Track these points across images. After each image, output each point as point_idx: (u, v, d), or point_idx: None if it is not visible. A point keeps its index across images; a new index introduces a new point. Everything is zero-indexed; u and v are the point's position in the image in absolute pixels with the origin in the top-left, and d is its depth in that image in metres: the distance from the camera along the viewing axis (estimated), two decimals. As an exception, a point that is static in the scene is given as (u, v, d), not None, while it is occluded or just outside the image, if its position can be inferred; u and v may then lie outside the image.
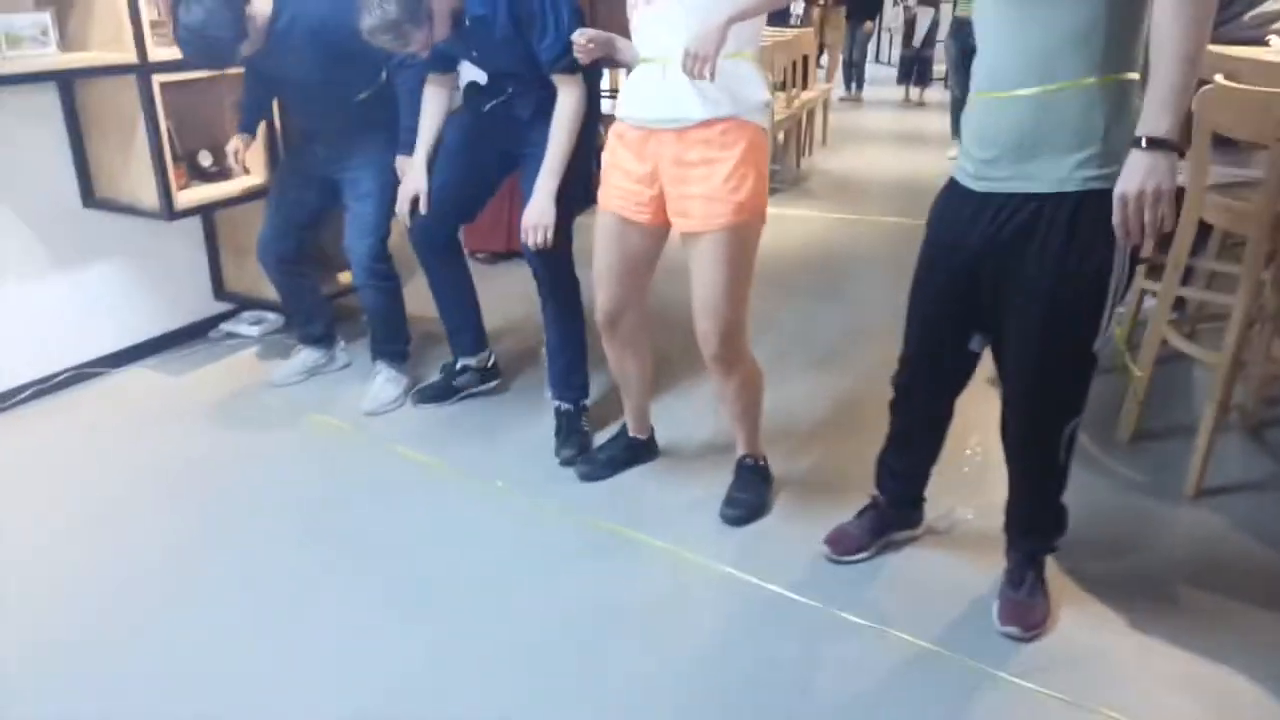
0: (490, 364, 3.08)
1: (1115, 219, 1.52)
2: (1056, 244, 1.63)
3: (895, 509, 2.21)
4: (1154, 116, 1.46)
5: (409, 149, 2.74)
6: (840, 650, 1.90)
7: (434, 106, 2.70)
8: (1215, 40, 2.61)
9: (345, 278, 3.41)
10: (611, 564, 2.20)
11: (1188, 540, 2.27)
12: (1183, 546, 2.25)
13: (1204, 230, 2.54)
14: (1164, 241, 2.65)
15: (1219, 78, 2.31)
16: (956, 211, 1.77)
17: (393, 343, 3.06)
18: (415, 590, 2.11)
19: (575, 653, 1.91)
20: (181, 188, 3.07)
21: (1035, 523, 1.97)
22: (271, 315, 3.58)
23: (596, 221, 2.27)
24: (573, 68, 2.33)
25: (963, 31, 5.10)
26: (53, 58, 2.73)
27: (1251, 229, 2.28)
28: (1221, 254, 2.88)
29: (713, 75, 1.82)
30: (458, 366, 3.04)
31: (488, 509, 2.43)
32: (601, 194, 2.24)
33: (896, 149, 7.41)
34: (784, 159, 6.19)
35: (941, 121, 7.43)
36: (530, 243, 2.45)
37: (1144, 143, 1.47)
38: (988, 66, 1.68)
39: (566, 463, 2.60)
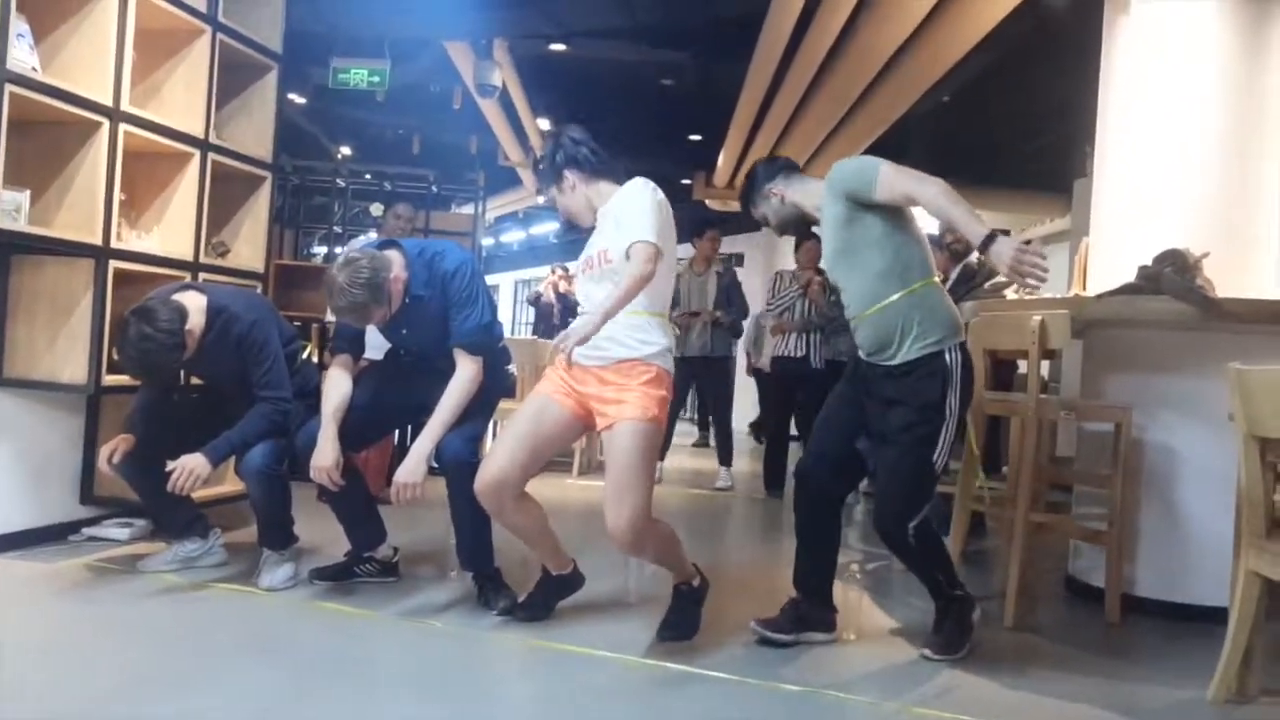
0: (394, 560, 3.19)
1: (1012, 274, 2.30)
2: (909, 387, 2.47)
3: (810, 605, 2.65)
4: (974, 232, 2.32)
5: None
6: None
7: (339, 384, 2.86)
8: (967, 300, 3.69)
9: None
10: (573, 681, 2.41)
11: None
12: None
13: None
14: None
15: (982, 313, 3.29)
16: (856, 368, 2.65)
17: (279, 530, 3.07)
18: None
19: None
20: (99, 371, 3.17)
21: None
22: (139, 521, 3.52)
23: (524, 403, 2.67)
24: (474, 349, 2.80)
25: None
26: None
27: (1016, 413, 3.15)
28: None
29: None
30: (362, 556, 3.15)
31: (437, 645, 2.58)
32: (537, 387, 2.67)
33: (676, 454, 8.15)
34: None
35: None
36: (398, 500, 2.70)
37: (983, 243, 2.30)
38: (846, 302, 2.58)
39: (504, 613, 2.76)
